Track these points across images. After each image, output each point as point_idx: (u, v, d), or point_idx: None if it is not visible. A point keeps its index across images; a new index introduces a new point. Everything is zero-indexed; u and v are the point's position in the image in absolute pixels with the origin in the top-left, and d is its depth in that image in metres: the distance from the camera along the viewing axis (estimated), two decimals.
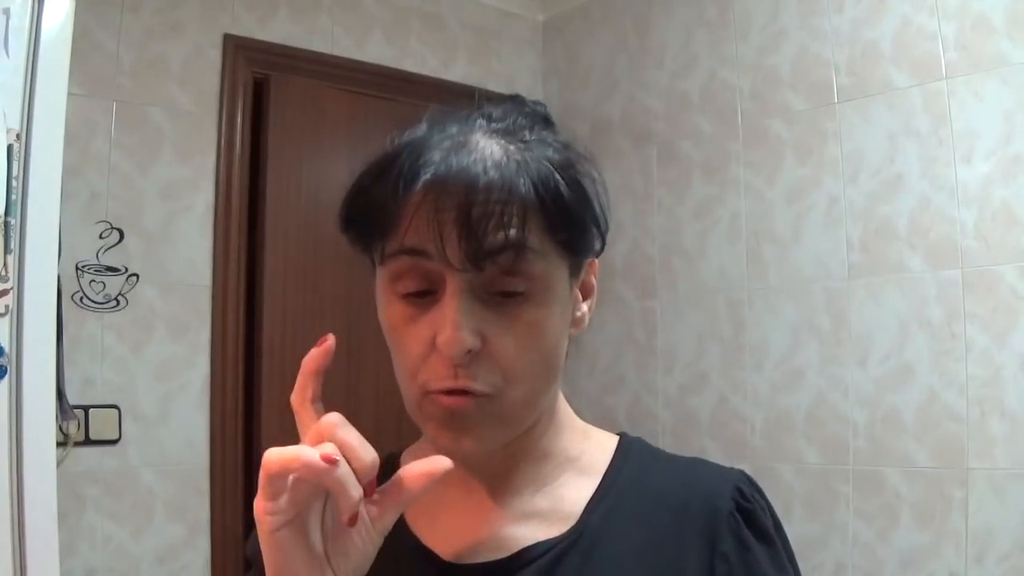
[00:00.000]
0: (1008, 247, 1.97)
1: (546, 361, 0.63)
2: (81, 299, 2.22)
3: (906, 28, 2.17)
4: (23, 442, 1.45)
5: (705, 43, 2.63)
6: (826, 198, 2.31)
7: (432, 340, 0.59)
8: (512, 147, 0.61)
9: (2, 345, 1.44)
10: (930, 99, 2.11)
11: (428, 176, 0.58)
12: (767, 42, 2.47)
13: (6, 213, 1.44)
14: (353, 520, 0.54)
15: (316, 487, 0.54)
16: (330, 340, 0.58)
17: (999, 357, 1.97)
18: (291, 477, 0.53)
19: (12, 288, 1.45)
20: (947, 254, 2.07)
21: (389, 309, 0.63)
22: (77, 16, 1.58)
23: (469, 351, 0.59)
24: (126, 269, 2.29)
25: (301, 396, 0.58)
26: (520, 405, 0.62)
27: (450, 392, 0.60)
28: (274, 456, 0.53)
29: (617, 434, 0.74)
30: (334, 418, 0.55)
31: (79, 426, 2.16)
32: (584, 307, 0.69)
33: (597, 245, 0.66)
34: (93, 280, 2.24)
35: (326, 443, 0.53)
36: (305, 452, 0.52)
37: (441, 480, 0.60)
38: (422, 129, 0.63)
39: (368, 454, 0.54)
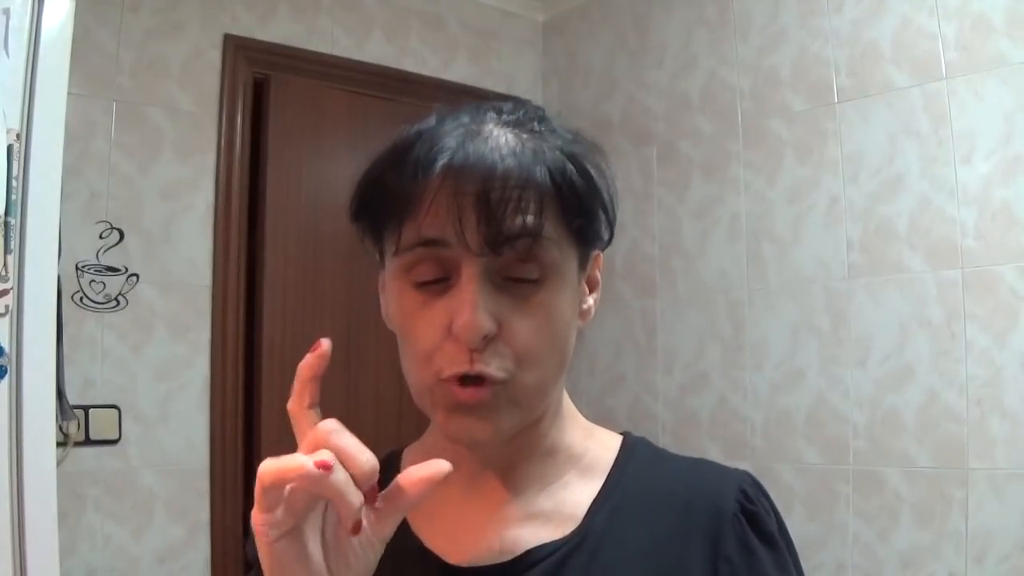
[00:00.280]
0: (1008, 247, 1.97)
1: (558, 348, 0.63)
2: (81, 299, 2.22)
3: (906, 28, 2.17)
4: (23, 442, 1.45)
5: (705, 43, 2.63)
6: (826, 198, 2.31)
7: (447, 326, 0.59)
8: (525, 136, 0.62)
9: (2, 345, 1.44)
10: (930, 99, 2.11)
11: (445, 161, 0.59)
12: (767, 42, 2.47)
13: (6, 213, 1.44)
14: (357, 528, 0.53)
15: (313, 496, 0.52)
16: (324, 345, 0.56)
17: (999, 357, 1.97)
18: (287, 487, 0.52)
19: (12, 288, 1.45)
20: (947, 254, 2.07)
21: (401, 298, 0.63)
22: (77, 16, 1.58)
23: (485, 336, 0.59)
24: (126, 269, 2.29)
25: (298, 403, 0.56)
26: (533, 390, 0.62)
27: (464, 380, 0.59)
28: (269, 467, 0.52)
29: (621, 433, 0.74)
30: (330, 425, 0.53)
31: (79, 426, 2.16)
32: (590, 300, 0.69)
33: (606, 235, 0.67)
34: (93, 280, 2.24)
35: (321, 450, 0.51)
36: (299, 460, 0.50)
37: (445, 479, 0.59)
38: (432, 120, 0.63)
39: (366, 460, 0.52)
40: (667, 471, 0.70)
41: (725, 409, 2.51)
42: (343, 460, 0.51)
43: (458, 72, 2.92)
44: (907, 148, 2.15)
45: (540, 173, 0.60)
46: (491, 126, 0.62)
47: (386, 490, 0.57)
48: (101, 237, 2.26)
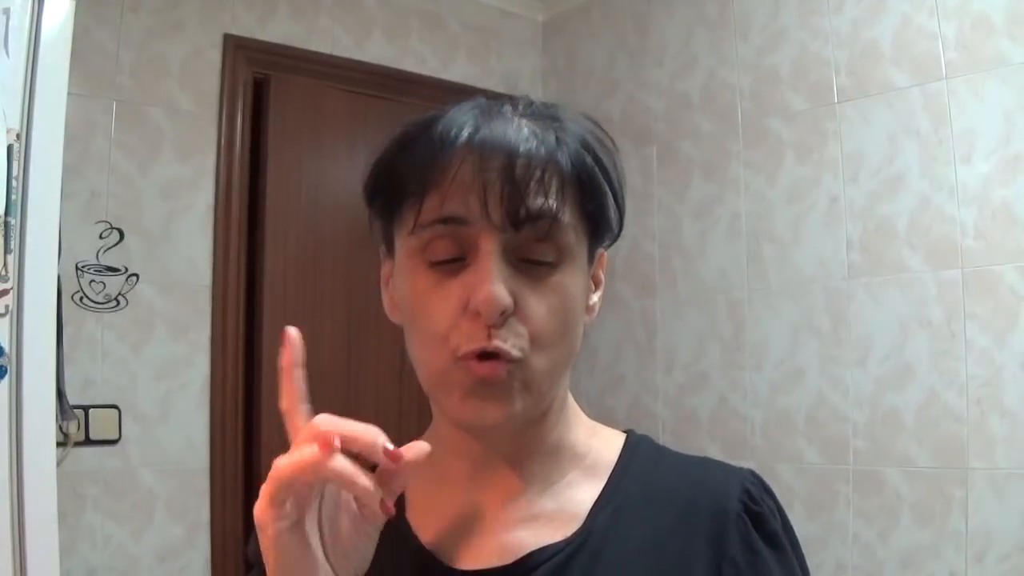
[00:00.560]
0: (1008, 247, 1.97)
1: (569, 333, 0.63)
2: (81, 299, 2.22)
3: (906, 28, 2.17)
4: (23, 442, 1.45)
5: (705, 43, 2.63)
6: (826, 198, 2.31)
7: (463, 303, 0.59)
8: (545, 123, 0.63)
9: (2, 345, 1.44)
10: (930, 99, 2.11)
11: (469, 133, 0.59)
12: (767, 42, 2.47)
13: (6, 213, 1.44)
14: (387, 508, 0.54)
15: (322, 485, 0.54)
16: (290, 333, 0.57)
17: (999, 357, 1.97)
18: (299, 480, 0.53)
19: (12, 288, 1.45)
20: (947, 254, 2.07)
21: (414, 278, 0.62)
22: (77, 16, 1.58)
23: (503, 312, 0.58)
24: (126, 269, 2.29)
25: (287, 397, 0.57)
26: (544, 374, 0.62)
27: (482, 357, 0.59)
28: (284, 463, 0.53)
29: (624, 431, 0.73)
30: (321, 417, 0.54)
31: (79, 426, 2.16)
32: (595, 297, 0.69)
33: (615, 228, 0.68)
34: (93, 280, 2.24)
35: (322, 433, 0.52)
36: (310, 450, 0.52)
37: (446, 479, 0.59)
38: (448, 107, 0.64)
39: (367, 432, 0.53)
40: (671, 470, 0.69)
41: (725, 409, 2.51)
42: (345, 441, 0.52)
43: (458, 72, 2.92)
44: (907, 148, 2.15)
45: (562, 158, 0.61)
46: (510, 113, 0.63)
47: (373, 477, 0.57)
48: (101, 237, 2.26)
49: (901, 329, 2.14)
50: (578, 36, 3.04)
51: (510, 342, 0.59)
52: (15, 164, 1.45)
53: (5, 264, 1.44)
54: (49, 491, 1.48)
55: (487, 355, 0.59)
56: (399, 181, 0.62)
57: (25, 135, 1.47)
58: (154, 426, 2.31)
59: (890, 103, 2.19)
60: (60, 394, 1.90)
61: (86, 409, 2.19)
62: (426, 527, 0.68)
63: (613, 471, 0.68)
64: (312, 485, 0.54)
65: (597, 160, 0.64)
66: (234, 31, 2.50)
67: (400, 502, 0.68)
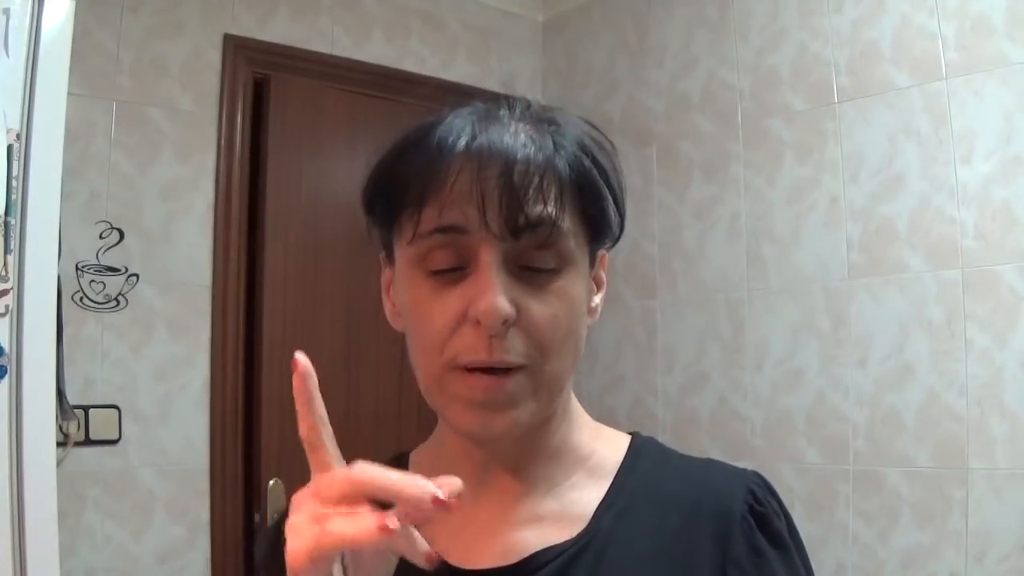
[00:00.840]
0: (1008, 247, 1.97)
1: (574, 337, 0.63)
2: (81, 299, 2.22)
3: (906, 28, 2.17)
4: (23, 442, 1.45)
5: (705, 43, 2.63)
6: (826, 198, 2.31)
7: (462, 312, 0.59)
8: (542, 127, 0.62)
9: (2, 345, 1.44)
10: (930, 99, 2.11)
11: (466, 142, 0.59)
12: (767, 42, 2.47)
13: (6, 213, 1.44)
14: (431, 559, 0.50)
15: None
16: (300, 361, 0.52)
17: (999, 357, 1.97)
18: (351, 548, 0.49)
19: (12, 288, 1.45)
20: (947, 254, 2.07)
21: (413, 287, 0.62)
22: (77, 16, 1.58)
23: (505, 321, 0.58)
24: (126, 269, 2.29)
25: (305, 425, 0.51)
26: (552, 380, 0.61)
27: (484, 370, 0.58)
28: (335, 531, 0.47)
29: (629, 433, 0.73)
30: (361, 468, 0.49)
31: (79, 426, 2.16)
32: (597, 299, 0.69)
33: (616, 230, 0.67)
34: (93, 280, 2.24)
35: (383, 514, 0.47)
36: (365, 524, 0.47)
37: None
38: (445, 112, 0.63)
39: (414, 487, 0.48)
40: (675, 472, 0.69)
41: (725, 409, 2.51)
42: (394, 498, 0.48)
43: (458, 72, 2.92)
44: (907, 148, 2.15)
45: (559, 163, 0.61)
46: (507, 118, 0.62)
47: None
48: (101, 237, 2.26)
49: (901, 329, 2.14)
50: (578, 36, 3.04)
51: (513, 351, 0.59)
52: (15, 164, 1.45)
53: (5, 264, 1.44)
54: (49, 491, 1.48)
55: (489, 368, 0.59)
56: (397, 190, 0.62)
57: (25, 135, 1.47)
58: (154, 426, 2.31)
59: (890, 103, 2.19)
60: (60, 394, 1.90)
61: (86, 409, 2.19)
62: (430, 527, 0.67)
63: (618, 473, 0.68)
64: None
65: (595, 163, 0.63)
66: (234, 31, 2.50)
67: None
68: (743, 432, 2.45)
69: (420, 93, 2.69)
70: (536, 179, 0.59)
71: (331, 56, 2.68)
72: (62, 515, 1.55)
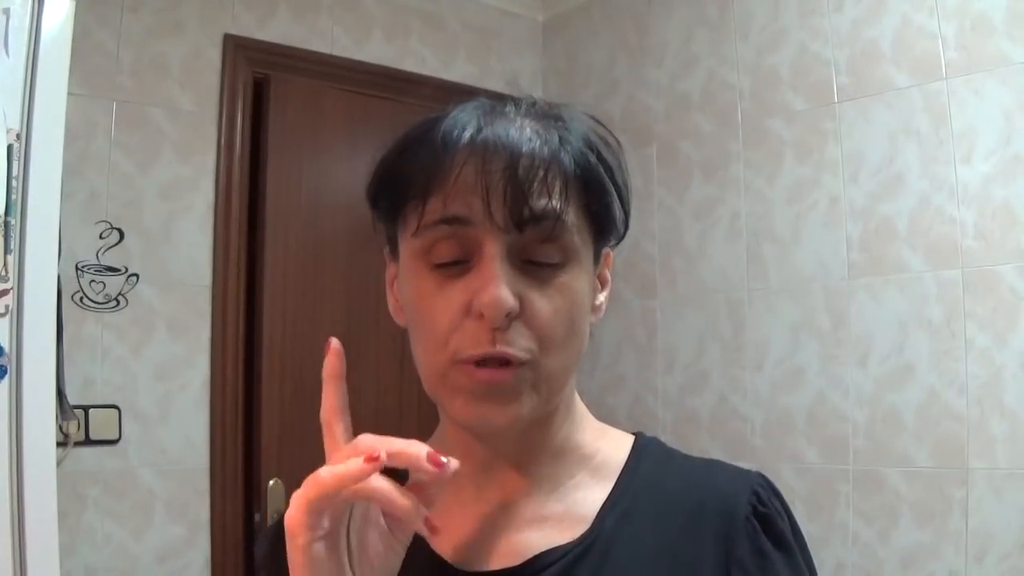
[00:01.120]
0: (1008, 247, 1.97)
1: (577, 333, 0.63)
2: (81, 299, 2.22)
3: (906, 28, 2.17)
4: (23, 442, 1.45)
5: (705, 43, 2.63)
6: (826, 198, 2.31)
7: (466, 306, 0.59)
8: (548, 123, 0.62)
9: (2, 345, 1.44)
10: (930, 99, 2.11)
11: (471, 134, 0.59)
12: (767, 42, 2.47)
13: (6, 213, 1.44)
14: (433, 528, 0.54)
15: (356, 500, 0.54)
16: (333, 343, 0.57)
17: (999, 357, 1.97)
18: (341, 494, 0.52)
19: (12, 288, 1.45)
20: (947, 254, 2.07)
21: (417, 280, 0.62)
22: (77, 16, 1.58)
23: (508, 314, 0.58)
24: (126, 269, 2.29)
25: (328, 405, 0.57)
26: (555, 375, 0.61)
27: (486, 361, 0.58)
28: (327, 474, 0.52)
29: (632, 433, 0.73)
30: (366, 436, 0.54)
31: (79, 426, 2.16)
32: (601, 297, 0.69)
33: (621, 227, 0.67)
34: (93, 280, 2.24)
35: (369, 446, 0.52)
36: (354, 465, 0.51)
37: (453, 481, 0.59)
38: (451, 107, 0.63)
39: (411, 445, 0.53)
40: (679, 472, 0.69)
41: (725, 409, 2.51)
42: (391, 457, 0.52)
43: (458, 72, 2.92)
44: (907, 148, 2.15)
45: (565, 157, 0.60)
46: (513, 113, 0.62)
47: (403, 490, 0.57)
48: (101, 237, 2.26)
49: (901, 329, 2.14)
50: (578, 36, 3.03)
51: (516, 345, 0.59)
52: (15, 164, 1.45)
53: (5, 264, 1.44)
54: (49, 491, 1.48)
55: (491, 360, 0.59)
56: (402, 183, 0.61)
57: (25, 135, 1.47)
58: (154, 426, 2.31)
59: (890, 103, 2.19)
60: (60, 394, 1.91)
61: (86, 409, 2.19)
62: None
63: (621, 473, 0.68)
64: (350, 501, 0.53)
65: (601, 159, 0.63)
66: (234, 31, 2.50)
67: None
68: (743, 432, 2.45)
69: (420, 93, 2.70)
70: (541, 173, 0.59)
71: (331, 56, 2.68)
72: (62, 515, 1.55)
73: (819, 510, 2.26)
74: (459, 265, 0.60)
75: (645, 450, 0.70)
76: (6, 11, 1.46)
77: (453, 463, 0.54)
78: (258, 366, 2.47)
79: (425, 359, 0.62)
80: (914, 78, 2.15)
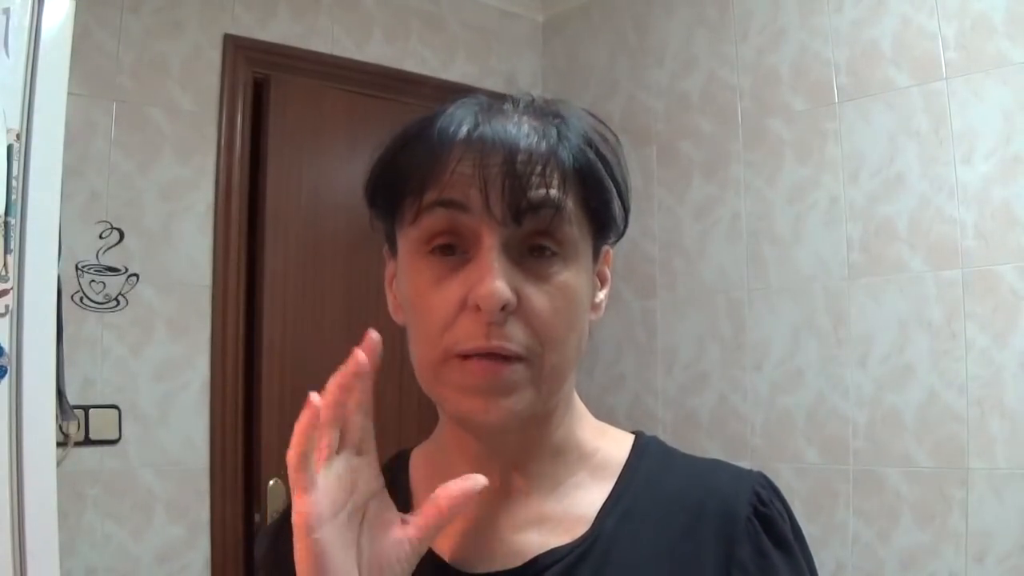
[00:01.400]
0: (1008, 247, 1.97)
1: (576, 329, 0.62)
2: (81, 299, 2.22)
3: (906, 28, 2.17)
4: (23, 442, 1.45)
5: (705, 43, 2.63)
6: (826, 198, 2.31)
7: (462, 300, 0.58)
8: (546, 119, 0.62)
9: (2, 345, 1.44)
10: (930, 99, 2.11)
11: (468, 129, 0.59)
12: (767, 42, 2.47)
13: (6, 213, 1.44)
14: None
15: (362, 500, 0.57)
16: (368, 346, 0.60)
17: (999, 357, 1.97)
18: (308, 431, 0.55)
19: (12, 288, 1.45)
20: (947, 254, 2.07)
21: (415, 272, 0.61)
22: (77, 16, 1.57)
23: (504, 307, 0.57)
24: (126, 269, 2.29)
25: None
26: (554, 372, 0.61)
27: (481, 356, 0.58)
28: (291, 447, 0.54)
29: (632, 432, 0.72)
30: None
31: (79, 426, 2.16)
32: (601, 295, 0.68)
33: (620, 224, 0.67)
34: (93, 280, 2.24)
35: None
36: (299, 421, 0.55)
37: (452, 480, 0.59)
38: (449, 104, 0.63)
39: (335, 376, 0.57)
40: (680, 472, 0.69)
41: (725, 409, 2.51)
42: (329, 395, 0.57)
43: (458, 72, 2.92)
44: (907, 148, 2.15)
45: (563, 153, 0.60)
46: (511, 109, 0.62)
47: (424, 504, 0.58)
48: (101, 237, 2.26)
49: (901, 329, 2.14)
50: (578, 36, 3.03)
51: (513, 340, 0.58)
52: (15, 164, 1.45)
53: (5, 264, 1.44)
54: (49, 491, 1.47)
55: (487, 354, 0.58)
56: (398, 179, 0.61)
57: (25, 135, 1.47)
58: (154, 426, 2.31)
59: (890, 103, 2.19)
60: (60, 394, 1.90)
61: (86, 409, 2.19)
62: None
63: (622, 473, 0.67)
64: (325, 429, 0.56)
65: (600, 155, 0.63)
66: (234, 31, 2.50)
67: (408, 506, 0.67)
68: (743, 432, 2.45)
69: (420, 93, 2.70)
70: (539, 166, 0.59)
71: (331, 56, 2.68)
72: (62, 515, 1.54)
73: (819, 510, 2.26)
74: (457, 256, 0.60)
75: (645, 449, 0.70)
76: (6, 11, 1.45)
77: (480, 479, 0.56)
78: (258, 366, 2.47)
79: (420, 353, 0.62)
80: (914, 78, 2.15)
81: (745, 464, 0.69)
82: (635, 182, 2.74)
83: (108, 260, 2.27)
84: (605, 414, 0.73)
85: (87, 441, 2.19)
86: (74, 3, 1.56)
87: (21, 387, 1.45)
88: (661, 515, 0.65)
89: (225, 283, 2.44)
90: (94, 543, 2.19)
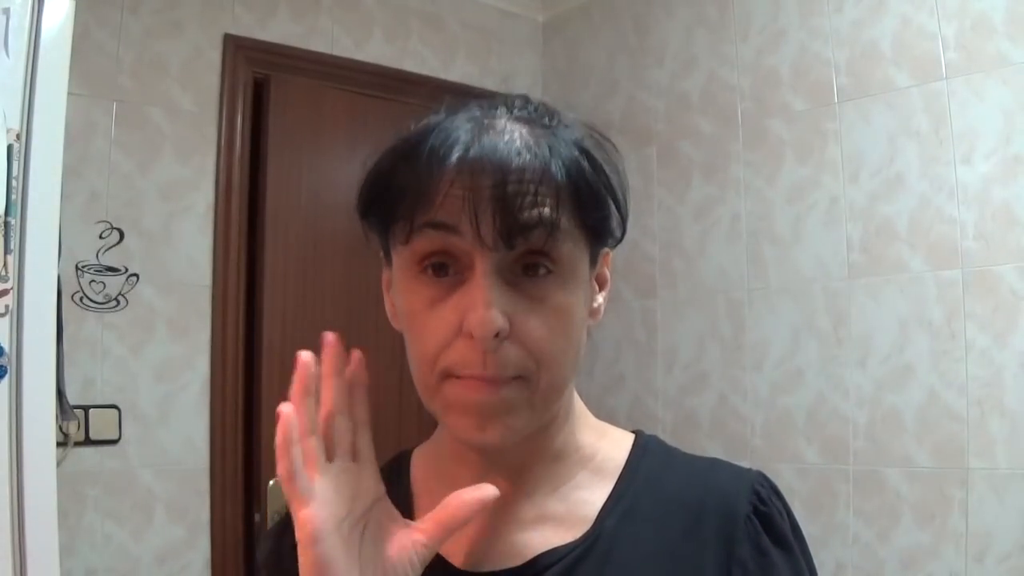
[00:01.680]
0: (1008, 247, 1.97)
1: (572, 346, 0.62)
2: (81, 299, 2.22)
3: (906, 28, 2.17)
4: (23, 442, 1.45)
5: (705, 43, 2.63)
6: (826, 198, 2.31)
7: (457, 325, 0.58)
8: (538, 131, 0.61)
9: (2, 345, 1.44)
10: (930, 99, 2.11)
11: (460, 154, 0.58)
12: (767, 42, 2.47)
13: (6, 213, 1.44)
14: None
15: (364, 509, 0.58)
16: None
17: (999, 357, 1.97)
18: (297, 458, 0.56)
19: (12, 288, 1.45)
20: (947, 254, 2.07)
21: (409, 294, 0.61)
22: (77, 16, 1.58)
23: (498, 334, 0.57)
24: (126, 269, 2.29)
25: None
26: (549, 391, 0.61)
27: (478, 376, 0.58)
28: (277, 462, 0.56)
29: (632, 432, 0.72)
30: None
31: (79, 426, 2.16)
32: (600, 298, 0.68)
33: (618, 232, 0.66)
34: (93, 280, 2.24)
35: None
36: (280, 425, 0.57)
37: (453, 484, 0.59)
38: (442, 114, 0.62)
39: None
40: (680, 471, 0.69)
41: (725, 409, 2.51)
42: (293, 400, 0.60)
43: (458, 72, 2.92)
44: (907, 148, 2.15)
45: (556, 168, 0.59)
46: (504, 120, 0.61)
47: (434, 511, 0.58)
48: (101, 237, 2.26)
49: (901, 329, 2.14)
50: (578, 36, 3.03)
51: (509, 366, 0.58)
52: (15, 164, 1.45)
53: (5, 264, 1.44)
54: (49, 491, 1.47)
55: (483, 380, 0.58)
56: (391, 199, 0.61)
57: (25, 135, 1.47)
58: (154, 426, 2.31)
59: (890, 103, 2.19)
60: (60, 394, 1.90)
61: (86, 409, 2.19)
62: None
63: (622, 473, 0.68)
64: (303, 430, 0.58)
65: (594, 165, 0.62)
66: (234, 31, 2.50)
67: (408, 507, 0.68)
68: (743, 432, 2.45)
69: (420, 93, 2.69)
70: (531, 187, 0.58)
71: (331, 56, 2.68)
72: (62, 515, 1.55)
73: (819, 510, 2.26)
74: (451, 277, 0.59)
75: (645, 449, 0.70)
76: (6, 11, 1.45)
77: (492, 489, 0.58)
78: (258, 366, 2.47)
79: (417, 373, 0.62)
80: (914, 78, 2.15)
81: (745, 464, 0.69)
82: (635, 182, 2.74)
83: (108, 260, 2.27)
84: (605, 414, 0.73)
85: (87, 441, 2.19)
86: (74, 3, 1.56)
87: (21, 387, 1.45)
88: (661, 514, 0.65)
89: (225, 283, 2.44)
90: (94, 543, 2.19)
